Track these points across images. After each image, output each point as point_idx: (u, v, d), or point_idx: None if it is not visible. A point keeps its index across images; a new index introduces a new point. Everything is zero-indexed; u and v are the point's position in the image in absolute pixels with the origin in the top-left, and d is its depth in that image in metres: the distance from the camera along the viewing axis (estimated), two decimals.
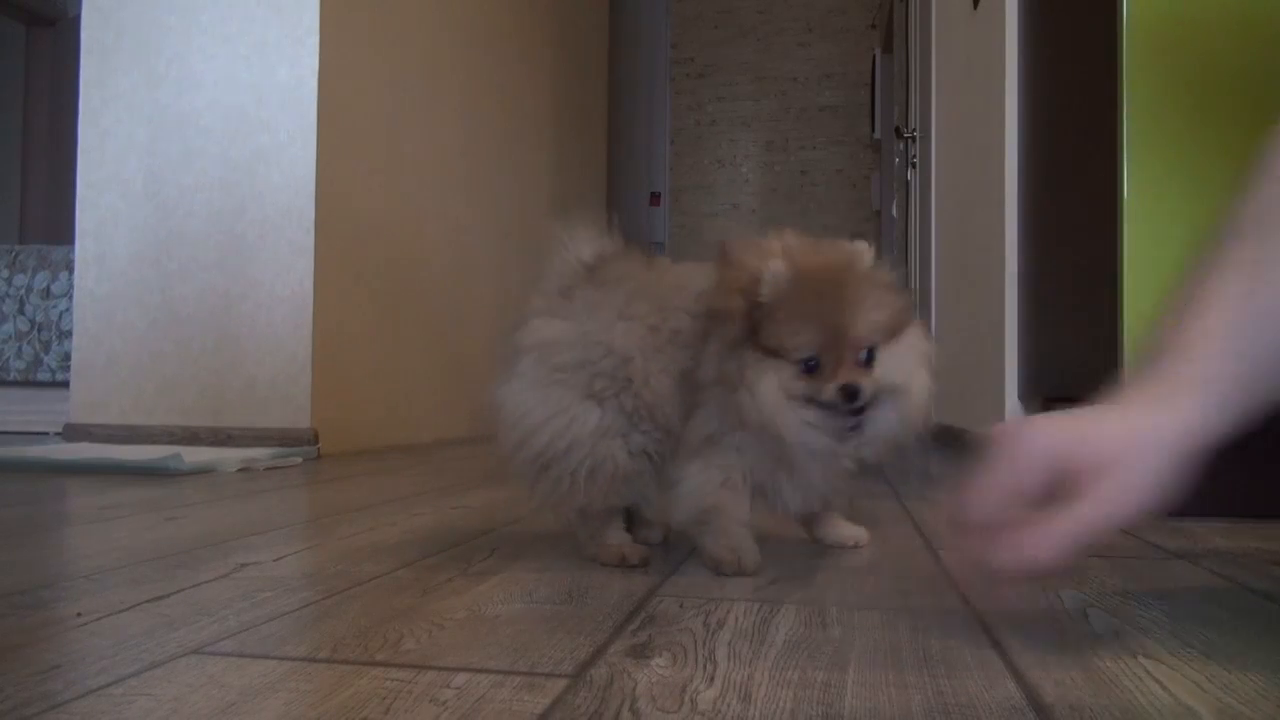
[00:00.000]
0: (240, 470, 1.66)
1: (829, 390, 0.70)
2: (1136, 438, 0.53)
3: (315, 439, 2.01)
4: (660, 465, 0.82)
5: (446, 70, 2.70)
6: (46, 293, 2.72)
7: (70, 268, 2.66)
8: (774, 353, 0.72)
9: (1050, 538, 0.52)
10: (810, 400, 0.71)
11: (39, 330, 2.71)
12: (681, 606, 0.66)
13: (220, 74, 2.11)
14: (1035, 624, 0.62)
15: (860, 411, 0.71)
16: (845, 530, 0.92)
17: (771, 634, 0.59)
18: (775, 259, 0.73)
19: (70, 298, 2.64)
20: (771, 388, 0.72)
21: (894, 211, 4.21)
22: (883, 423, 0.74)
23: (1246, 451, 0.70)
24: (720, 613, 0.64)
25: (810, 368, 0.72)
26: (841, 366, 0.71)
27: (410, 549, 0.89)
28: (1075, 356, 1.41)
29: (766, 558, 0.79)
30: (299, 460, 1.86)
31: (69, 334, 2.62)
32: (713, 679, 0.50)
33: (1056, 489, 0.53)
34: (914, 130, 3.46)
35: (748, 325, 0.73)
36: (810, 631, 0.60)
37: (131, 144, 2.15)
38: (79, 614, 0.63)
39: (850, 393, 0.70)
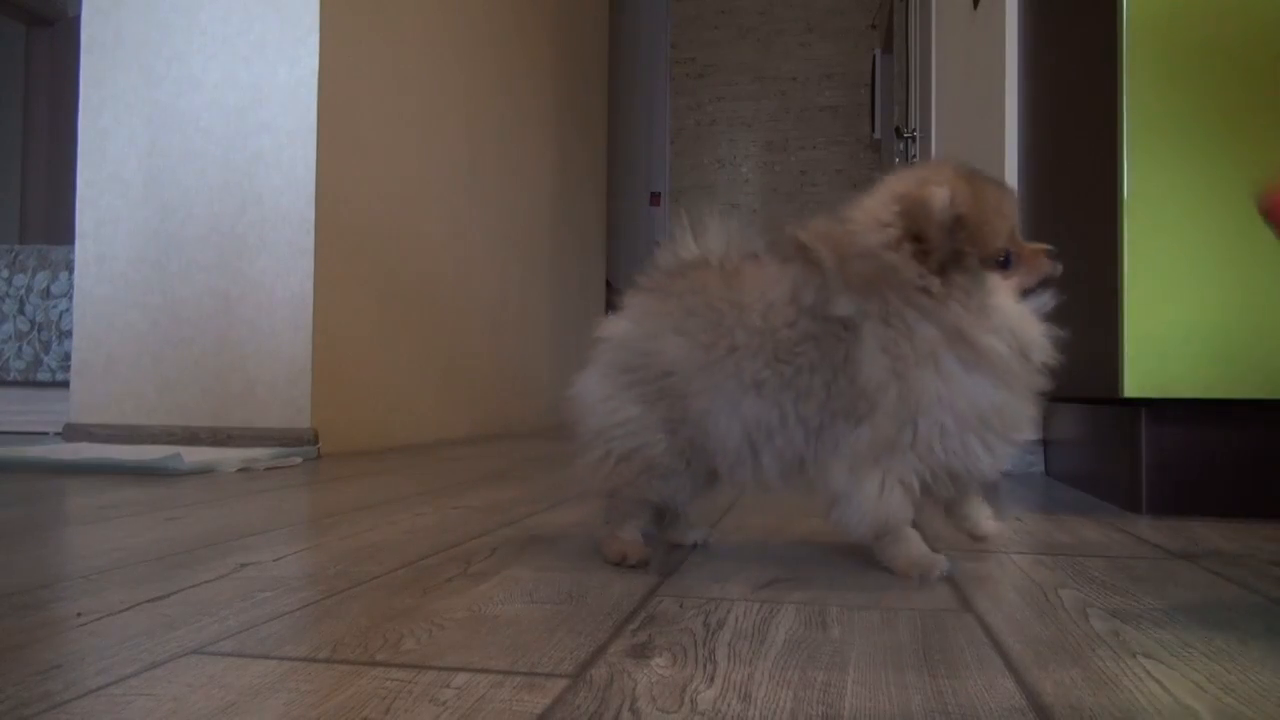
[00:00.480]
0: (240, 470, 1.66)
1: (1045, 265, 0.74)
2: None
3: (315, 439, 2.01)
4: (700, 474, 0.82)
5: (447, 70, 2.70)
6: (46, 293, 2.72)
7: (70, 268, 2.66)
8: (970, 268, 0.72)
9: None
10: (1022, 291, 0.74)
11: (39, 330, 2.71)
12: (681, 606, 0.66)
13: (220, 74, 2.11)
14: (1035, 624, 0.62)
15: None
16: (986, 517, 0.85)
17: (771, 634, 0.59)
18: (934, 186, 0.72)
19: (70, 298, 2.64)
20: (1007, 294, 0.73)
21: None
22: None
23: (1247, 451, 0.70)
24: (720, 613, 0.64)
25: (1004, 264, 0.74)
26: (1025, 250, 0.74)
27: (410, 549, 0.89)
28: (1075, 356, 1.41)
29: (766, 558, 0.78)
30: (299, 460, 1.86)
31: (69, 334, 2.62)
32: (713, 679, 0.50)
33: None
34: (914, 130, 3.46)
35: (948, 251, 0.71)
36: (810, 631, 0.60)
37: (131, 144, 2.15)
38: (79, 614, 0.63)
39: (1057, 259, 0.73)
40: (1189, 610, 0.67)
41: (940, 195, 0.72)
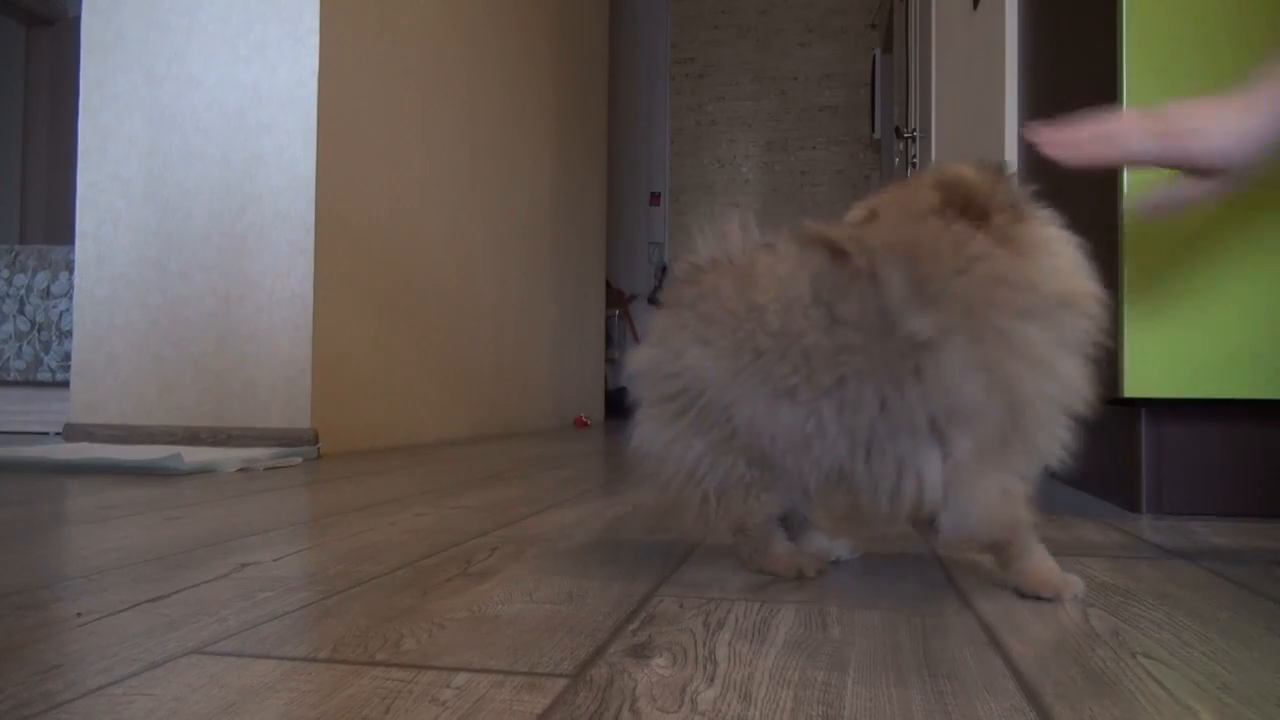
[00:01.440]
0: (240, 470, 1.66)
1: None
2: (1238, 147, 0.81)
3: (315, 439, 2.01)
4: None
5: (447, 70, 2.70)
6: (46, 293, 2.72)
7: (70, 268, 2.66)
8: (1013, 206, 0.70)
9: (1175, 195, 0.87)
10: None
11: (39, 330, 2.71)
12: (681, 606, 0.66)
13: (220, 74, 2.11)
14: (1035, 624, 0.62)
15: None
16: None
17: (771, 634, 0.59)
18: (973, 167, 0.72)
19: (70, 298, 2.64)
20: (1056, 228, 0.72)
21: None
22: None
23: (1247, 451, 0.70)
24: (720, 613, 0.64)
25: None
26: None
27: (410, 549, 0.89)
28: None
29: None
30: (299, 460, 1.86)
31: (69, 334, 2.63)
32: (713, 679, 0.50)
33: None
34: (914, 130, 3.46)
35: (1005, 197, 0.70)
36: (810, 631, 0.60)
37: (131, 144, 2.15)
38: (79, 614, 0.63)
39: None
40: (1189, 610, 0.67)
41: (965, 167, 0.71)
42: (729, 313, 0.73)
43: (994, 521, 0.69)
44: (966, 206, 0.68)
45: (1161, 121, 0.83)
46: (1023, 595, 0.70)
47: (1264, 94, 0.82)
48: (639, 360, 0.79)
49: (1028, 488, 0.69)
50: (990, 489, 0.68)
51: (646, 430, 0.79)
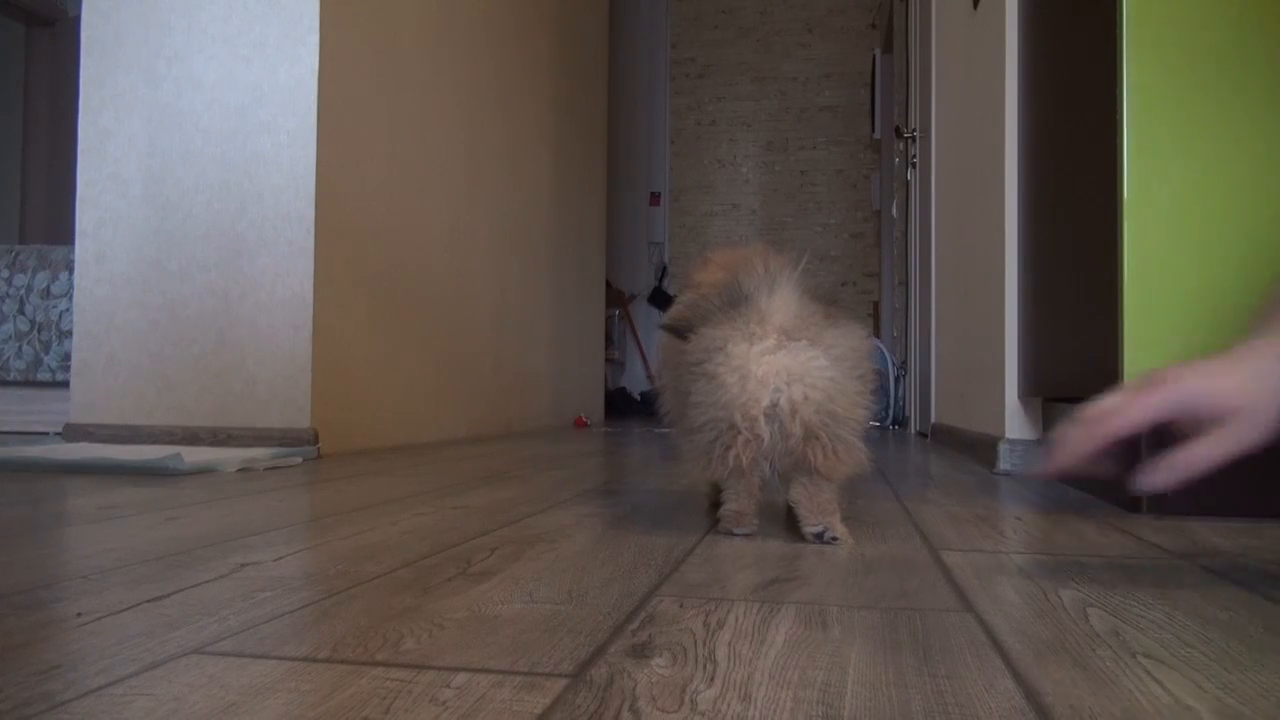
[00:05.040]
0: (240, 470, 1.66)
1: None
2: (1254, 387, 0.71)
3: (315, 439, 2.01)
4: None
5: (447, 70, 2.70)
6: (46, 293, 2.72)
7: (70, 268, 2.66)
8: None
9: (1193, 457, 0.72)
10: None
11: (39, 330, 2.71)
12: (681, 606, 0.66)
13: (220, 74, 2.11)
14: (1035, 624, 0.62)
15: None
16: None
17: (771, 634, 0.59)
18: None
19: (70, 298, 2.64)
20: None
21: (894, 211, 4.21)
22: None
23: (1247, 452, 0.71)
24: (720, 613, 0.64)
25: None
26: None
27: (410, 549, 0.89)
28: (1075, 356, 1.41)
29: (766, 558, 0.78)
30: (299, 460, 1.87)
31: (69, 334, 2.63)
32: (713, 679, 0.50)
33: (1184, 422, 0.73)
34: (914, 130, 3.46)
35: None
36: (810, 631, 0.60)
37: (131, 144, 2.15)
38: (79, 614, 0.63)
39: None
40: (1189, 610, 0.67)
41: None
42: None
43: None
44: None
45: (1160, 382, 0.75)
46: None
47: (1270, 347, 0.74)
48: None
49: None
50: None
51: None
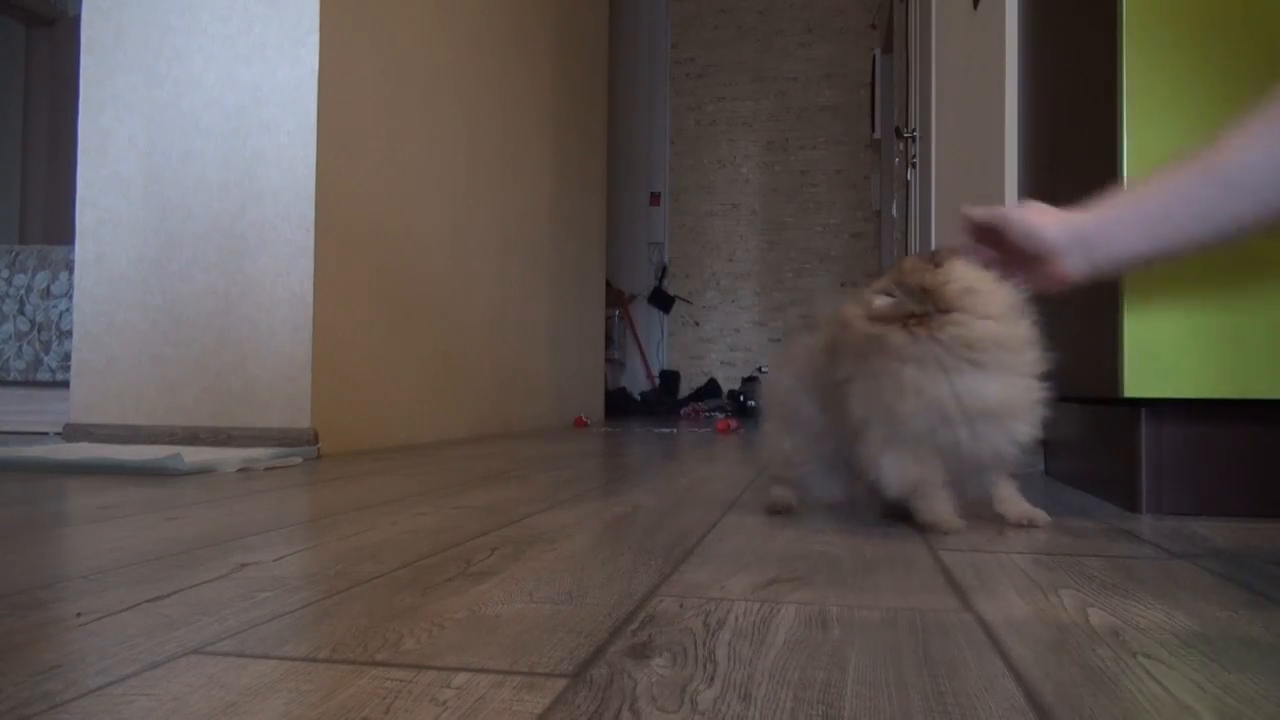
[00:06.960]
0: (240, 470, 1.66)
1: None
2: (1062, 232, 0.94)
3: (315, 439, 2.01)
4: None
5: (447, 70, 2.70)
6: (46, 293, 2.72)
7: (70, 268, 2.66)
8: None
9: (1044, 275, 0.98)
10: None
11: (39, 330, 2.71)
12: (681, 606, 0.66)
13: (220, 74, 2.11)
14: (1035, 624, 0.62)
15: None
16: (1006, 500, 1.12)
17: (771, 634, 0.59)
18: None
19: (70, 298, 2.64)
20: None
21: (894, 211, 4.22)
22: None
23: (1247, 451, 0.71)
24: (720, 613, 0.64)
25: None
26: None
27: (410, 549, 0.89)
28: (1075, 356, 1.41)
29: (766, 558, 0.78)
30: (299, 460, 1.86)
31: (69, 334, 2.62)
32: (713, 679, 0.50)
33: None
34: (914, 130, 3.46)
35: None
36: (810, 631, 0.60)
37: (131, 144, 2.15)
38: (79, 614, 0.63)
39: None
40: (1189, 610, 0.67)
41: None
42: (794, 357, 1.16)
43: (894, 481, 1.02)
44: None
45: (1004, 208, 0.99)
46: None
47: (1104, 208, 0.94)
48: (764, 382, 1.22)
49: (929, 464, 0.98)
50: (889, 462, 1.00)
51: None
